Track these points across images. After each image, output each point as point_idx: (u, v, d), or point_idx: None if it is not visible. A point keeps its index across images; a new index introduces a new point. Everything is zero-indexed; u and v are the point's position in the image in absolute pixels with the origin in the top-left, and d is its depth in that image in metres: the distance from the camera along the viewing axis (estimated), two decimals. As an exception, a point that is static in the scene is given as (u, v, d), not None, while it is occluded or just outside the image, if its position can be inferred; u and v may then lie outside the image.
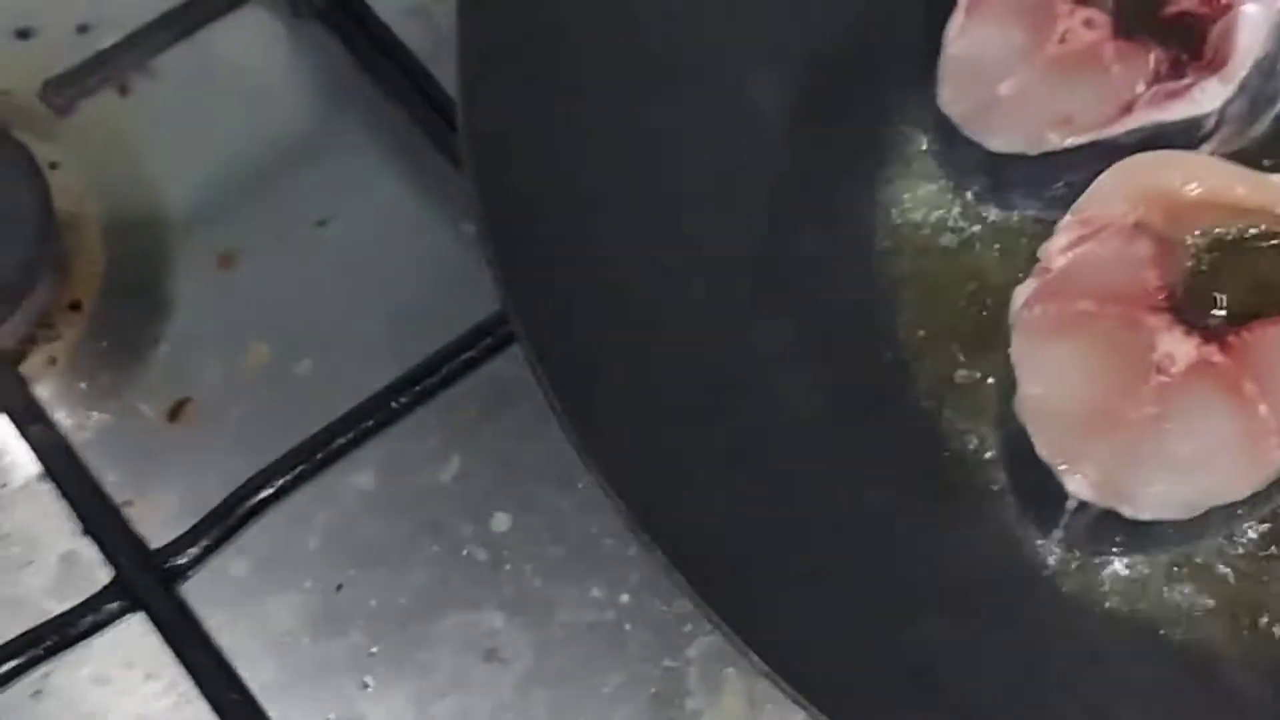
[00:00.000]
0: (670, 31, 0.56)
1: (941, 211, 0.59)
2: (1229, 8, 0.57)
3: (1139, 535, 0.53)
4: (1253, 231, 0.56)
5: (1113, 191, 0.56)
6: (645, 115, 0.56)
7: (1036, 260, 0.56)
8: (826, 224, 0.59)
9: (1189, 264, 0.56)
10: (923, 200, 0.60)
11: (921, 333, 0.58)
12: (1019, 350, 0.54)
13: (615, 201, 0.55)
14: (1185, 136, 0.58)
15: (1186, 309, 0.55)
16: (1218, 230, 0.56)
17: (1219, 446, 0.52)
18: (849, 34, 0.60)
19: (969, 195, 0.59)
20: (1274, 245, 0.56)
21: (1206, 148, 0.58)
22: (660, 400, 0.51)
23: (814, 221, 0.58)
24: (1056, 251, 0.55)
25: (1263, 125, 0.59)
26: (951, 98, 0.59)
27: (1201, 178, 0.56)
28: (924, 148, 0.60)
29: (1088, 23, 0.59)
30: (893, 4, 0.60)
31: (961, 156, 0.59)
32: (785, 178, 0.58)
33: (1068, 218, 0.56)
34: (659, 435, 0.50)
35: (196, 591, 0.58)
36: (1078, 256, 0.55)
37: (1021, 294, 0.55)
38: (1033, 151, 0.57)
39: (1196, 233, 0.56)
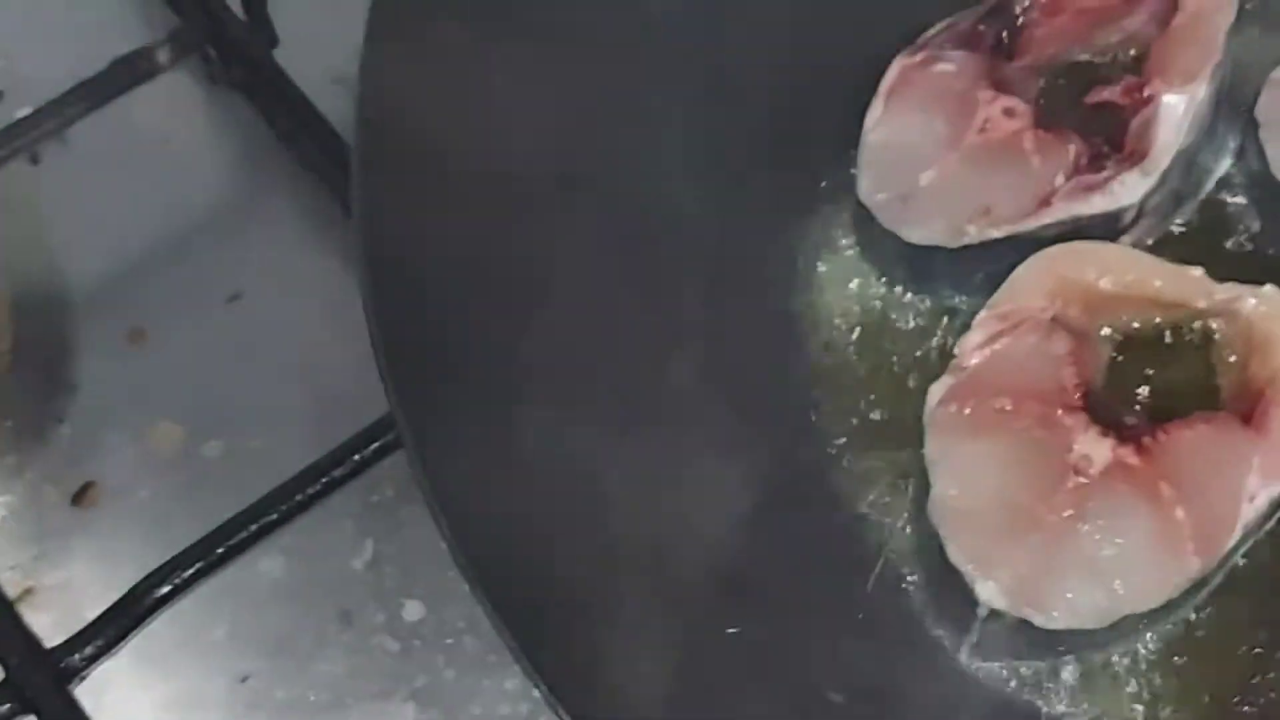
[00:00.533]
0: (588, 129, 0.55)
1: (863, 301, 0.59)
2: (1151, 100, 0.57)
3: (1051, 641, 0.53)
4: (1170, 325, 0.55)
5: (1030, 284, 0.56)
6: (563, 204, 0.55)
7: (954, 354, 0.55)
8: (753, 316, 0.58)
9: (1106, 360, 0.55)
10: (846, 290, 0.59)
11: (840, 426, 0.57)
12: (933, 450, 0.54)
13: (527, 288, 0.54)
14: (1105, 227, 0.57)
15: (1103, 407, 0.54)
16: (1135, 324, 0.55)
17: (1134, 552, 0.52)
18: (771, 122, 0.59)
19: (890, 285, 0.59)
20: (1191, 340, 0.55)
21: (1127, 238, 0.58)
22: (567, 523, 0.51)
23: (739, 319, 0.57)
24: (972, 348, 0.55)
25: (1183, 216, 0.59)
26: (871, 188, 0.58)
27: (1118, 270, 0.56)
28: (846, 238, 0.59)
29: (1008, 112, 0.58)
30: (814, 91, 0.59)
31: (881, 246, 0.58)
32: (708, 272, 0.57)
33: (984, 313, 0.55)
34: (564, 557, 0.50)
35: (94, 685, 0.57)
36: (994, 353, 0.55)
37: (936, 392, 0.54)
38: (951, 244, 0.57)
39: (1112, 328, 0.55)
